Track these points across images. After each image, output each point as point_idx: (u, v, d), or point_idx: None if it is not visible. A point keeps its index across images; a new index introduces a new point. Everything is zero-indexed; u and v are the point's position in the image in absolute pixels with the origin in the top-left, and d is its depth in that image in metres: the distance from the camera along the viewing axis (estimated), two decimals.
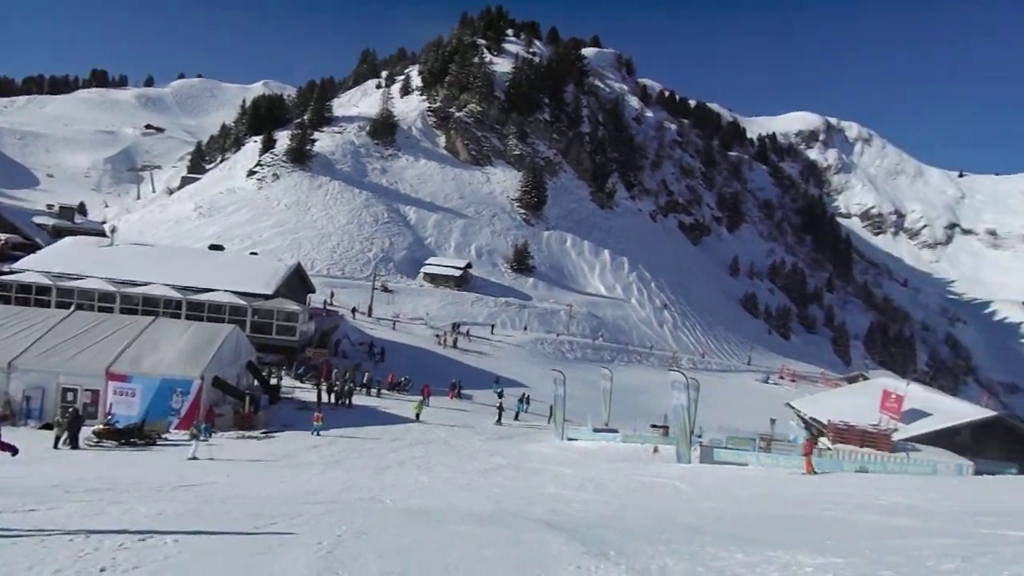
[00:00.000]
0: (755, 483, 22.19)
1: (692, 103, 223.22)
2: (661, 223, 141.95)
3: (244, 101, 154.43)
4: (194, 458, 20.57)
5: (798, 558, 8.17)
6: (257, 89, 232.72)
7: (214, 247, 56.85)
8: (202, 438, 22.96)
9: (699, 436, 28.70)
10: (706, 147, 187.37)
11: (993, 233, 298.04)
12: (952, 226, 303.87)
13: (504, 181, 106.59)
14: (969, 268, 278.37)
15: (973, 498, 18.78)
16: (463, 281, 79.13)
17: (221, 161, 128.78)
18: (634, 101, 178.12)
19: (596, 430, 36.44)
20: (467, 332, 62.32)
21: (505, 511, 14.26)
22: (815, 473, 23.63)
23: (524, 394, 45.42)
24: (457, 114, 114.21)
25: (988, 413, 33.07)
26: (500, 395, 42.51)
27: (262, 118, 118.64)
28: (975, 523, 13.04)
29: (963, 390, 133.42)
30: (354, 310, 61.61)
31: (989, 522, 13.15)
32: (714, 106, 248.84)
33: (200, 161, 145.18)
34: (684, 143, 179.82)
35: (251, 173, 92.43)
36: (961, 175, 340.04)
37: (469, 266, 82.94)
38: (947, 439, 29.95)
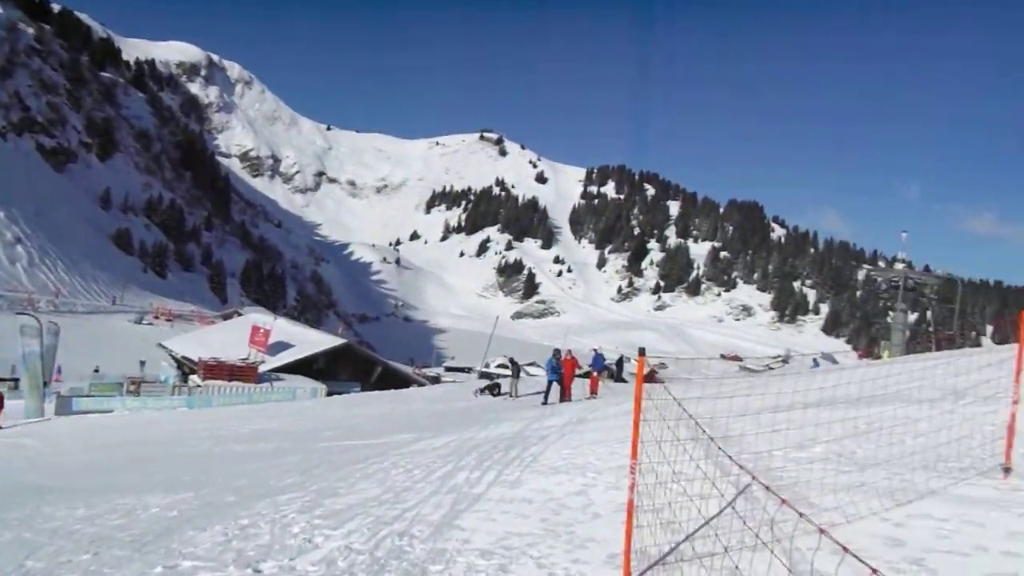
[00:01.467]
0: (120, 428, 21.30)
1: (55, 8, 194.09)
2: (14, 143, 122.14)
3: None
4: None
5: (146, 500, 8.03)
6: None
7: None
8: None
9: (47, 385, 25.72)
10: (72, 62, 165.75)
11: (353, 183, 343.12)
12: (320, 174, 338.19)
13: None
14: (333, 213, 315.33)
15: (323, 415, 21.35)
16: None
17: None
18: None
19: None
20: None
21: None
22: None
23: None
24: None
25: (340, 341, 38.28)
26: None
27: None
28: (321, 438, 14.82)
29: (325, 322, 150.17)
30: None
31: (329, 436, 15.11)
32: (83, 17, 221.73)
33: None
34: (45, 53, 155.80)
35: None
36: (329, 128, 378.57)
37: None
38: (307, 366, 33.65)
